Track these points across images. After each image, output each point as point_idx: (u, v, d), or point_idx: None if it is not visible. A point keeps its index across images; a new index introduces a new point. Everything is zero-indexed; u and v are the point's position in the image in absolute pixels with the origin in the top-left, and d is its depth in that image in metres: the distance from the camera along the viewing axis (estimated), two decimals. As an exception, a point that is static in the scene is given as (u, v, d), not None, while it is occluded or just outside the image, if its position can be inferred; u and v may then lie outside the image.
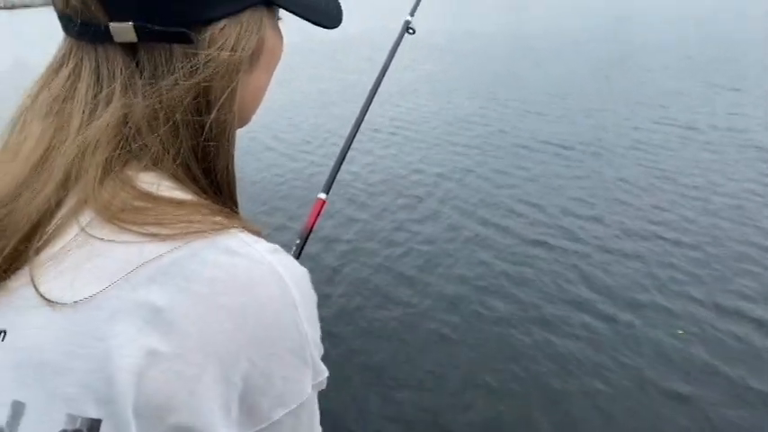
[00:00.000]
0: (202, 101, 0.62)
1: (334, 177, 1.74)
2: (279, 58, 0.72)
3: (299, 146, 8.03)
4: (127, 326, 0.52)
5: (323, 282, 4.39)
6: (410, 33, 1.90)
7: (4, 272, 0.57)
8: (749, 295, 4.17)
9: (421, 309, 4.21)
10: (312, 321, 0.60)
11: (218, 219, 0.59)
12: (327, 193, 1.70)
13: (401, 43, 1.86)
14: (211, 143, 0.64)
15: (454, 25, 21.00)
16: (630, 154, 7.27)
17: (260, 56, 0.68)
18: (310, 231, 1.63)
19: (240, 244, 0.58)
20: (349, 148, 1.79)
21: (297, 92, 10.98)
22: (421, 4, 1.98)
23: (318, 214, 1.66)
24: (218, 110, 0.63)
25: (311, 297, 0.61)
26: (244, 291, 0.55)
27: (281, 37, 0.72)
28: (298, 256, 1.55)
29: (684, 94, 10.16)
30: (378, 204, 5.98)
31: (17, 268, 0.57)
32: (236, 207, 0.69)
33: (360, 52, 15.20)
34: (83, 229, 0.56)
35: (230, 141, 0.66)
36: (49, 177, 0.58)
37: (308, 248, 1.65)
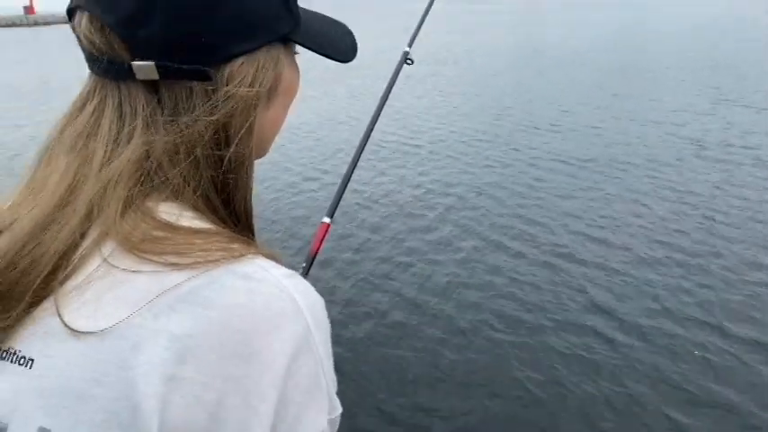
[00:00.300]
0: (221, 136, 0.64)
1: (339, 201, 1.76)
2: (296, 92, 0.74)
3: (303, 171, 8.05)
4: (149, 354, 0.53)
5: (328, 305, 4.30)
6: (408, 64, 1.93)
7: (32, 302, 0.58)
8: (759, 319, 4.13)
9: (426, 331, 4.19)
10: (326, 349, 0.61)
11: (235, 246, 0.61)
12: (332, 217, 1.71)
13: (400, 73, 1.89)
14: (230, 176, 0.66)
15: (456, 46, 21.10)
16: (639, 171, 7.22)
17: (277, 90, 0.70)
18: (315, 255, 1.63)
19: (257, 269, 0.59)
20: (352, 172, 1.82)
21: (300, 118, 11.05)
22: (419, 35, 2.02)
23: (323, 238, 1.67)
24: (236, 144, 0.65)
25: (326, 324, 0.62)
26: (261, 316, 0.56)
27: (298, 72, 0.74)
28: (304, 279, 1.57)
29: (696, 110, 10.10)
30: (382, 227, 5.98)
31: (43, 298, 0.58)
32: (253, 235, 0.71)
33: (362, 80, 15.29)
34: (105, 260, 0.58)
35: (248, 174, 0.68)
36: (73, 211, 0.60)
37: (313, 272, 1.67)
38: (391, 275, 5.00)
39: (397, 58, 1.92)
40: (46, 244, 0.59)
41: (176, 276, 0.56)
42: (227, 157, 0.65)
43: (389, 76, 1.85)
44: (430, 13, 2.09)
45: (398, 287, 4.81)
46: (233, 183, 0.67)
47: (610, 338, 3.99)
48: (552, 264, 5.06)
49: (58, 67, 23.26)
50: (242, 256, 0.60)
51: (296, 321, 0.58)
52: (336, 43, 0.77)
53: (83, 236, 0.60)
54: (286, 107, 0.74)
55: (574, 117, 10.24)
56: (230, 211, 0.68)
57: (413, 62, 1.94)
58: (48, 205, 0.62)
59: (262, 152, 0.74)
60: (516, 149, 8.54)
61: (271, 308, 0.57)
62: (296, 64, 0.74)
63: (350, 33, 0.81)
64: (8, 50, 39.58)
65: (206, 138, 0.63)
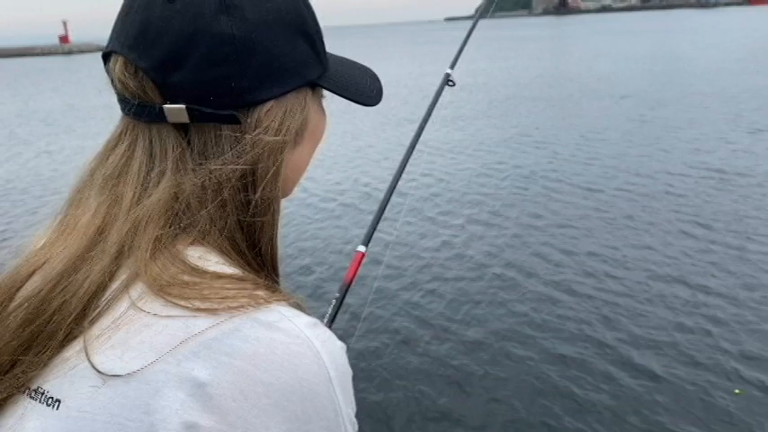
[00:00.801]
0: (249, 179, 0.65)
1: (374, 230, 1.74)
2: (322, 135, 0.75)
3: (338, 199, 8.12)
4: (171, 400, 0.54)
5: (362, 335, 4.37)
6: (450, 85, 1.92)
7: (62, 342, 0.59)
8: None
9: (459, 361, 4.14)
10: (347, 398, 0.61)
11: (260, 293, 0.61)
12: (367, 246, 1.69)
13: (441, 95, 1.88)
14: (257, 219, 0.67)
15: (491, 73, 21.37)
16: (663, 200, 7.18)
17: (304, 134, 0.71)
18: (350, 284, 1.61)
19: (280, 318, 0.59)
20: (388, 200, 1.79)
21: (336, 145, 11.16)
22: (461, 57, 2.01)
23: (358, 267, 1.65)
24: (263, 188, 0.66)
25: (347, 373, 0.61)
26: (282, 367, 0.56)
27: (325, 115, 0.75)
28: (337, 309, 1.54)
29: (722, 139, 10.04)
30: (417, 256, 5.97)
31: (73, 339, 0.59)
32: (278, 277, 0.72)
33: (401, 105, 15.44)
34: (133, 303, 0.58)
35: (275, 217, 0.69)
36: (103, 251, 0.61)
37: (348, 301, 1.63)
38: (426, 305, 4.96)
39: (438, 80, 1.90)
40: (77, 284, 0.60)
41: (202, 323, 0.57)
42: (254, 201, 0.66)
43: (430, 99, 1.83)
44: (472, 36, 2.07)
45: (433, 316, 4.77)
46: (259, 225, 0.67)
47: (633, 371, 3.86)
48: (584, 293, 4.98)
49: (87, 94, 23.96)
50: (266, 303, 0.60)
51: (317, 374, 0.58)
52: (363, 88, 0.78)
53: (112, 276, 0.61)
54: (312, 150, 0.75)
55: (602, 145, 10.23)
56: (256, 252, 0.68)
57: (455, 84, 1.93)
58: (78, 246, 0.63)
59: (285, 194, 0.74)
60: (554, 178, 8.51)
61: (292, 360, 0.57)
62: (323, 108, 0.75)
63: (376, 79, 0.82)
64: (44, 78, 41.00)
65: (233, 181, 0.64)
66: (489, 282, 5.33)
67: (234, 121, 0.64)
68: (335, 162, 10.10)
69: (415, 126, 1.85)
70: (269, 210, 0.67)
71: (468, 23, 2.17)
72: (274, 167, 0.66)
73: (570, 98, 16.00)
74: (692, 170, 8.29)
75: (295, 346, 0.57)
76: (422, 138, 1.84)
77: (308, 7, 0.71)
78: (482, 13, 2.31)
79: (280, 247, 0.72)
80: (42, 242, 0.67)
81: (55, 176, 10.60)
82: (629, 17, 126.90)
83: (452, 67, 1.96)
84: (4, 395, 0.60)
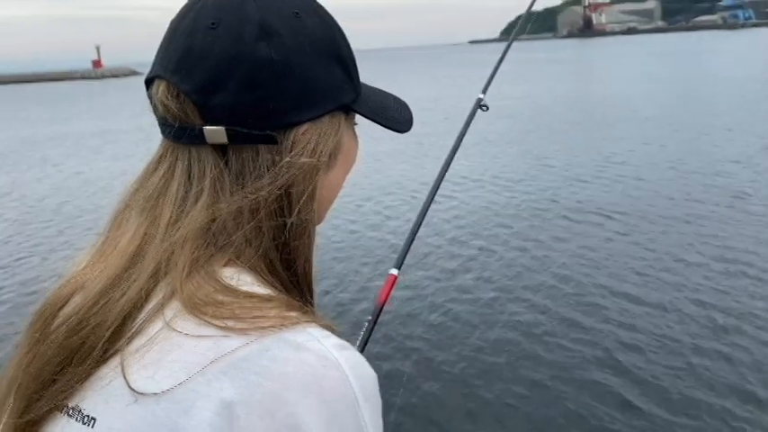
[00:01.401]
0: (284, 201, 0.66)
1: (407, 253, 1.73)
2: (354, 160, 0.77)
3: (371, 222, 8.14)
4: (199, 420, 0.54)
5: (396, 358, 4.33)
6: (483, 110, 1.91)
7: (99, 360, 0.61)
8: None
9: (492, 384, 4.10)
10: (375, 424, 0.60)
11: (291, 314, 0.61)
12: (399, 269, 1.68)
13: (473, 120, 1.88)
14: (292, 240, 0.68)
15: (516, 96, 21.30)
16: (686, 223, 7.06)
17: (337, 157, 0.73)
18: (382, 307, 1.59)
19: (309, 339, 0.59)
20: (421, 223, 1.78)
21: (369, 168, 11.18)
22: (492, 82, 2.01)
23: (391, 290, 1.63)
24: (298, 209, 0.67)
25: (376, 400, 0.61)
26: (308, 388, 0.56)
27: (357, 141, 0.77)
28: (370, 332, 1.52)
29: (747, 162, 9.87)
30: (450, 279, 5.95)
31: (111, 356, 0.61)
32: (312, 298, 0.72)
33: (433, 129, 15.46)
34: (167, 323, 0.60)
35: (310, 238, 0.70)
36: (141, 270, 0.63)
37: (381, 324, 1.63)
38: (459, 327, 4.94)
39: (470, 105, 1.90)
40: (114, 302, 0.62)
41: (232, 342, 0.57)
42: (289, 223, 0.67)
43: (462, 123, 1.83)
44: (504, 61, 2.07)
45: (468, 339, 4.75)
46: (295, 247, 0.68)
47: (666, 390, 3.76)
48: (614, 318, 4.92)
49: (118, 117, 24.43)
50: (297, 323, 0.60)
51: (344, 396, 0.58)
52: (394, 114, 0.80)
53: (149, 295, 0.62)
54: (345, 174, 0.76)
55: (623, 167, 10.17)
56: (291, 273, 0.69)
57: (487, 108, 1.92)
58: (117, 265, 0.65)
59: (320, 218, 0.75)
60: (582, 201, 8.47)
61: (319, 381, 0.57)
62: (355, 133, 0.77)
63: (406, 107, 0.85)
64: (78, 102, 41.86)
65: (269, 202, 0.66)
66: (523, 304, 5.28)
67: (271, 141, 0.66)
68: (368, 186, 10.12)
69: (447, 150, 1.83)
70: (305, 232, 0.69)
71: (492, 46, 2.17)
72: (309, 189, 0.67)
73: (593, 121, 15.91)
74: (715, 195, 8.15)
75: (322, 367, 0.58)
76: (453, 161, 1.84)
77: (343, 35, 0.74)
78: (516, 34, 2.30)
79: (315, 268, 0.72)
80: (84, 263, 0.69)
81: (85, 196, 10.79)
82: (655, 39, 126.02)
83: (484, 91, 1.95)
84: (45, 409, 0.62)
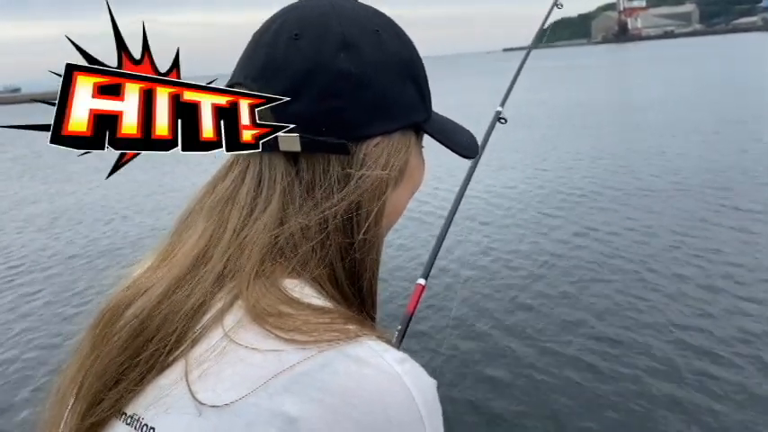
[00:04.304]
0: (354, 215, 0.67)
1: (433, 263, 1.75)
2: (419, 182, 0.77)
3: (397, 231, 8.09)
4: None
5: (425, 369, 4.25)
6: (502, 123, 1.92)
7: (162, 364, 0.61)
8: None
9: (523, 391, 4.08)
10: None
11: (350, 327, 0.60)
12: (426, 279, 1.70)
13: (492, 133, 1.89)
14: (359, 255, 0.68)
15: (548, 102, 21.09)
16: (725, 235, 6.78)
17: (404, 174, 0.73)
18: (411, 316, 1.62)
19: (370, 353, 0.58)
20: (446, 234, 1.81)
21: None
22: (511, 95, 2.02)
23: (419, 299, 1.66)
24: (367, 224, 0.67)
25: (437, 410, 0.60)
26: (371, 404, 0.55)
27: (424, 163, 0.77)
28: (400, 341, 1.55)
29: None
30: (476, 287, 5.92)
31: (171, 363, 0.61)
32: (375, 312, 0.72)
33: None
34: (227, 334, 0.59)
35: (378, 254, 0.71)
36: (206, 272, 0.64)
37: (410, 333, 1.66)
38: (488, 335, 4.92)
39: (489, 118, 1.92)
40: (179, 303, 0.62)
41: (293, 356, 0.57)
42: (359, 237, 0.67)
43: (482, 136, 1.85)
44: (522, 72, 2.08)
45: (495, 347, 4.74)
46: (361, 261, 0.68)
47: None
48: (649, 335, 4.82)
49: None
50: (357, 337, 0.59)
51: (407, 411, 0.57)
52: (461, 140, 0.81)
53: (213, 298, 0.62)
54: (410, 195, 0.76)
55: (663, 180, 9.86)
56: (355, 288, 0.69)
57: (506, 121, 1.93)
58: (182, 267, 0.65)
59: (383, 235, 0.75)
60: (613, 210, 8.31)
61: (383, 398, 0.56)
62: (422, 156, 0.77)
63: (472, 136, 0.85)
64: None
65: (339, 215, 0.65)
66: (549, 311, 5.25)
67: (343, 150, 0.66)
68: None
69: (469, 161, 1.83)
70: (373, 247, 0.69)
71: (524, 53, 2.15)
72: (378, 203, 0.68)
73: (627, 127, 15.61)
74: (759, 204, 7.82)
75: (386, 382, 0.57)
76: (475, 172, 1.85)
77: (419, 57, 0.75)
78: (533, 44, 2.26)
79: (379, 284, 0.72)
80: (148, 265, 0.70)
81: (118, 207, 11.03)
82: (693, 42, 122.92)
83: (503, 104, 1.96)
84: (107, 412, 0.62)
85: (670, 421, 3.68)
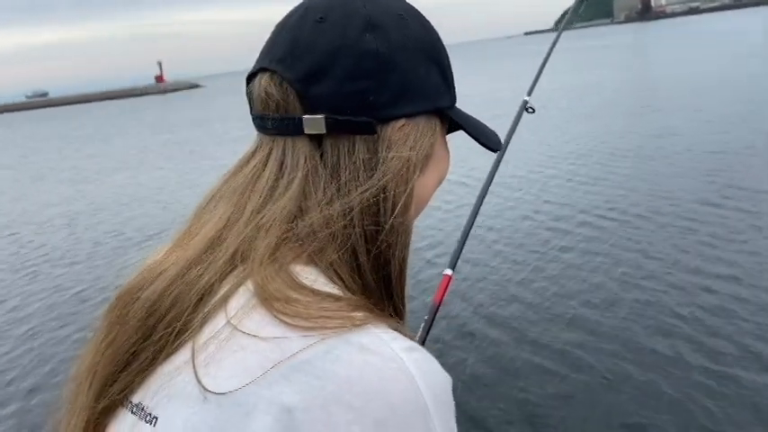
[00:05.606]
0: (381, 199, 0.65)
1: (460, 253, 1.74)
2: (445, 171, 0.76)
3: (424, 222, 8.07)
4: (260, 423, 0.53)
5: (452, 359, 4.28)
6: (529, 112, 1.90)
7: (168, 351, 0.61)
8: None
9: (550, 383, 4.05)
10: (447, 429, 0.57)
11: (357, 314, 0.59)
12: (453, 269, 1.70)
13: (520, 122, 1.87)
14: (387, 241, 0.66)
15: (572, 86, 20.79)
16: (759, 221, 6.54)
17: (430, 161, 0.71)
18: (438, 307, 1.62)
19: (375, 341, 0.57)
20: (473, 224, 1.80)
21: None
22: (538, 84, 1.99)
23: (446, 290, 1.65)
24: (396, 211, 0.66)
25: (448, 405, 0.58)
26: (373, 392, 0.54)
27: (449, 153, 0.75)
28: (427, 331, 1.55)
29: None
30: (503, 278, 5.88)
31: (176, 350, 0.60)
32: (403, 303, 0.70)
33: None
34: (229, 320, 0.58)
35: (407, 238, 0.69)
36: (219, 253, 0.63)
37: (437, 324, 1.65)
38: (515, 326, 4.88)
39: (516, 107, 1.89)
40: (191, 283, 0.62)
41: (295, 344, 0.55)
42: (385, 220, 0.65)
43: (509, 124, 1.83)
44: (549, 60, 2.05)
45: (524, 339, 4.69)
46: (390, 247, 0.66)
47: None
48: (677, 330, 4.76)
49: (179, 131, 25.29)
50: (362, 324, 0.58)
51: (412, 400, 0.54)
52: (486, 132, 0.79)
53: (224, 278, 0.62)
54: (436, 183, 0.74)
55: (688, 175, 9.56)
56: (379, 276, 0.67)
57: (534, 111, 1.90)
58: (196, 249, 0.65)
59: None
60: (641, 200, 8.08)
61: (385, 385, 0.54)
62: (447, 146, 0.75)
63: (495, 134, 0.83)
64: (142, 115, 43.36)
65: (365, 197, 0.64)
66: (576, 300, 5.20)
67: (370, 129, 0.65)
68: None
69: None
70: (401, 234, 0.67)
71: (548, 36, 2.12)
72: (406, 187, 0.66)
73: (650, 110, 15.27)
74: None
75: (389, 370, 0.55)
76: (502, 161, 1.84)
77: (442, 43, 0.74)
78: (563, 27, 2.22)
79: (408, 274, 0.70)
80: (165, 250, 0.70)
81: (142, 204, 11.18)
82: (720, 17, 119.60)
83: (530, 93, 1.93)
84: (118, 396, 0.63)
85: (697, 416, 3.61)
